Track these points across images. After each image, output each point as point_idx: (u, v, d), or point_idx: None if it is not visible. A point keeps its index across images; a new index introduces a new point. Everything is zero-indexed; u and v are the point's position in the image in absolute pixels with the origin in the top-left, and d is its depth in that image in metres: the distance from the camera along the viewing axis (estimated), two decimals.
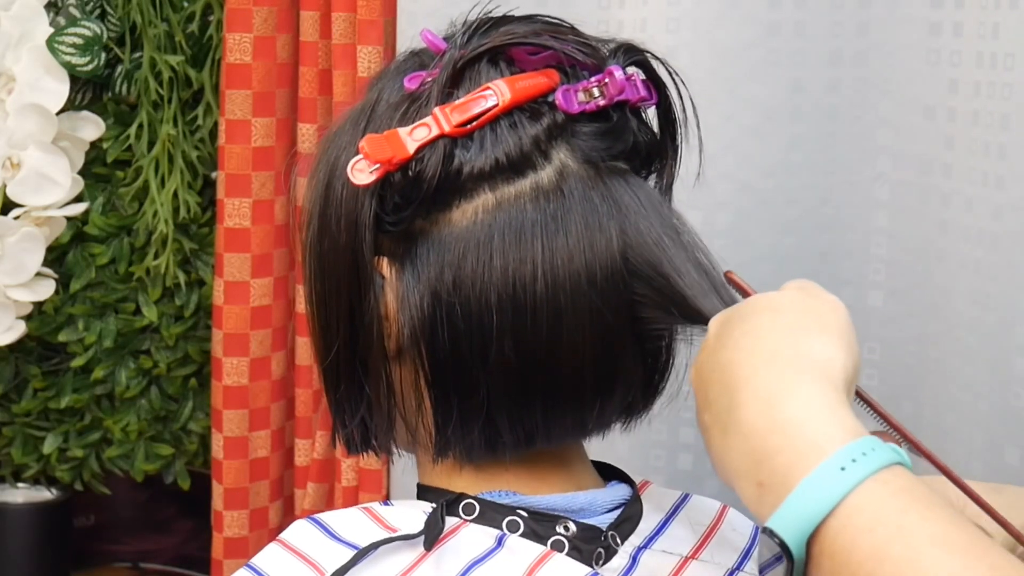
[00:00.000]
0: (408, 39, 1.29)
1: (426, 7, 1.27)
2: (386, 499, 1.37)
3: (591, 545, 0.76)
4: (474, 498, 0.77)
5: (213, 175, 1.45)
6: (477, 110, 0.73)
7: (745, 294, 0.73)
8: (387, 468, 1.36)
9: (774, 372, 0.62)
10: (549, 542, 0.76)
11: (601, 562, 0.77)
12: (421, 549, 0.74)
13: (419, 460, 0.81)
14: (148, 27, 1.44)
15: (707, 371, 0.67)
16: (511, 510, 0.76)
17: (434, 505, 0.76)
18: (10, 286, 1.36)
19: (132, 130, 1.45)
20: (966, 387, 1.10)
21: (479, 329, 0.73)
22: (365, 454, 0.81)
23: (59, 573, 1.57)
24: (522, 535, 0.76)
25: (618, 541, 0.78)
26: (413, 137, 0.72)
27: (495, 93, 0.73)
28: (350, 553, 0.73)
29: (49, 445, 1.52)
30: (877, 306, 1.18)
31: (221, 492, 1.44)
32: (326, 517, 0.77)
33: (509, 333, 0.73)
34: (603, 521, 0.78)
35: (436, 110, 0.73)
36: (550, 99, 0.75)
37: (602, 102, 0.75)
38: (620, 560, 0.77)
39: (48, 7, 1.38)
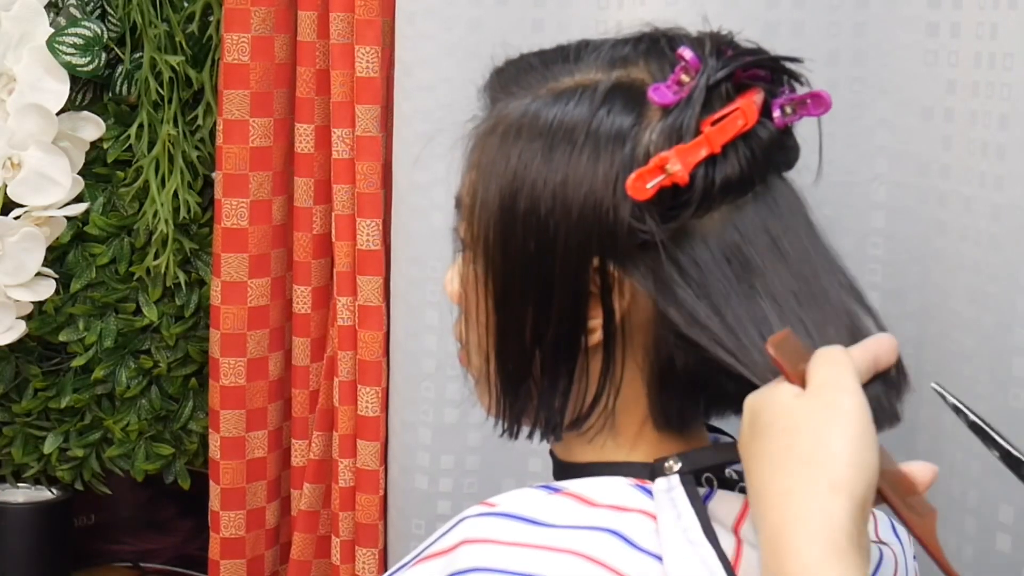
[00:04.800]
0: (407, 39, 1.29)
1: (424, 6, 1.27)
2: (384, 499, 1.36)
3: None
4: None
5: (213, 175, 1.45)
6: (732, 131, 0.78)
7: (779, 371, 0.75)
8: (384, 469, 1.36)
9: (785, 515, 0.70)
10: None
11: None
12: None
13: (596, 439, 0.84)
14: (148, 27, 1.44)
15: (744, 449, 0.76)
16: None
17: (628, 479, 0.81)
18: (10, 286, 1.36)
19: (132, 130, 1.46)
20: (965, 388, 1.09)
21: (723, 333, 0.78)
22: (545, 439, 0.86)
23: (59, 573, 1.58)
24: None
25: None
26: (690, 157, 0.77)
27: (742, 113, 0.78)
28: (653, 562, 0.76)
29: (49, 445, 1.52)
30: (874, 307, 1.18)
31: (218, 492, 1.44)
32: (621, 527, 0.78)
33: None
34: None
35: (707, 130, 0.78)
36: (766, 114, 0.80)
37: (795, 117, 0.81)
38: None
39: (48, 7, 1.39)
